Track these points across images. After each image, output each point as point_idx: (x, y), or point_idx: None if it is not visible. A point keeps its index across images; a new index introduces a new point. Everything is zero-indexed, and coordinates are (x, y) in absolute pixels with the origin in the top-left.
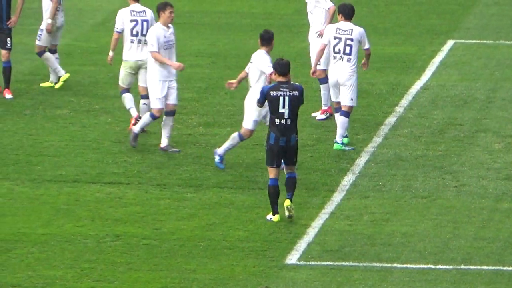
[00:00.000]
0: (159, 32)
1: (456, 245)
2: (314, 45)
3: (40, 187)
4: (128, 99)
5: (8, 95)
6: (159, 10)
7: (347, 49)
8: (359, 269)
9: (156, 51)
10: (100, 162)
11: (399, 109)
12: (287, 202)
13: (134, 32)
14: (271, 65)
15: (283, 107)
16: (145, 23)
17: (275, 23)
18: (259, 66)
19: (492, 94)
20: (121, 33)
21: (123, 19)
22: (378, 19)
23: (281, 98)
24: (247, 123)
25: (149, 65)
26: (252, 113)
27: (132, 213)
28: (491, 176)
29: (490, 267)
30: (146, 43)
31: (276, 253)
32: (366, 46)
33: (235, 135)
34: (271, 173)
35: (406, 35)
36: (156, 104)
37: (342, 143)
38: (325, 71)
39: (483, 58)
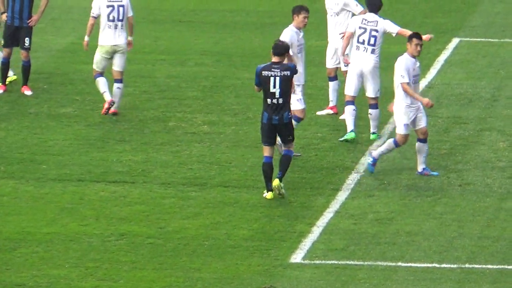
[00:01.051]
0: (293, 35)
1: (461, 244)
2: (337, 44)
3: (45, 186)
4: (102, 83)
5: (27, 92)
6: (293, 13)
7: (372, 40)
8: (364, 268)
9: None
10: (104, 161)
11: None
12: (276, 182)
13: (111, 18)
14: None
15: (274, 87)
16: (121, 9)
17: (281, 22)
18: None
19: (497, 92)
20: (96, 18)
21: (100, 5)
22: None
23: (271, 78)
24: (399, 129)
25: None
26: (401, 117)
27: (137, 212)
28: (496, 174)
29: (495, 266)
30: (123, 28)
31: (280, 252)
32: (395, 31)
33: (390, 140)
34: (265, 151)
35: None
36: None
37: (376, 133)
38: (336, 69)
39: (488, 57)
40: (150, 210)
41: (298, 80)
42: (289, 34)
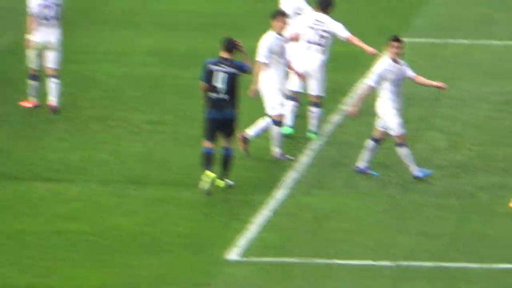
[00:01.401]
0: (272, 41)
1: (399, 241)
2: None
3: None
4: (33, 88)
5: None
6: (270, 19)
7: (320, 40)
8: (300, 265)
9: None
10: (43, 159)
11: (344, 107)
12: (221, 183)
13: (44, 15)
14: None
15: (218, 81)
16: (56, 7)
17: (224, 22)
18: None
19: (439, 92)
20: (35, 16)
21: (35, 2)
22: None
23: (217, 73)
24: (396, 130)
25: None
26: (393, 118)
27: (74, 210)
28: (435, 173)
29: (432, 264)
30: (57, 26)
31: (216, 249)
32: (345, 36)
33: (396, 149)
34: (205, 144)
35: (355, 34)
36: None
37: (315, 133)
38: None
39: (431, 57)
40: (87, 208)
41: (281, 84)
42: (269, 40)
